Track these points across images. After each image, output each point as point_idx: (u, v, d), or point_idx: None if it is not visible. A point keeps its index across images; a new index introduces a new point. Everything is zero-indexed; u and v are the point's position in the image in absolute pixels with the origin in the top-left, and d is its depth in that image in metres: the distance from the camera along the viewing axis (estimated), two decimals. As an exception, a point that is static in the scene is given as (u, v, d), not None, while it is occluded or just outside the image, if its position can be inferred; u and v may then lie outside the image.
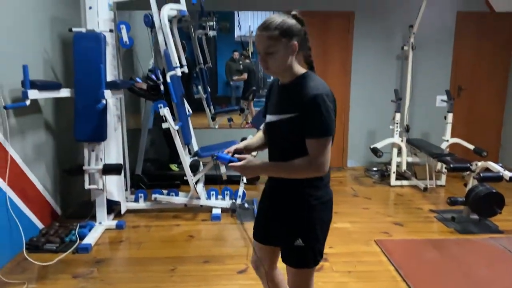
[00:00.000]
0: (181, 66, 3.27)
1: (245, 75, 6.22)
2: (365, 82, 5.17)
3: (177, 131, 3.30)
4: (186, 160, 3.48)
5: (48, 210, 3.40)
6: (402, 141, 4.61)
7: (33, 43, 3.13)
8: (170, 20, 3.40)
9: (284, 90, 1.51)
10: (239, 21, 7.16)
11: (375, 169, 5.10)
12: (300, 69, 1.50)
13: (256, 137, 1.76)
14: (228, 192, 3.81)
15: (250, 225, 3.40)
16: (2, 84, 2.71)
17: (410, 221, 3.61)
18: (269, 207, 1.68)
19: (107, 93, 2.82)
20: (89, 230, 3.24)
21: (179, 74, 3.16)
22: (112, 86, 2.88)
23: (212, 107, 5.96)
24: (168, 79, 3.15)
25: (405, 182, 4.65)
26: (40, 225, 3.23)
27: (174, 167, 4.74)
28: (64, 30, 3.48)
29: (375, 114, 5.22)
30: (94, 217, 3.41)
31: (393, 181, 4.62)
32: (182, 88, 3.37)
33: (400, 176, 4.74)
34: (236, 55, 6.72)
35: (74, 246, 3.01)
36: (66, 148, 3.61)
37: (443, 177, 4.61)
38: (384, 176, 4.89)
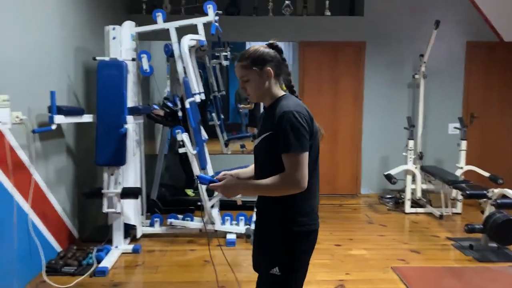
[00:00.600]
0: (199, 93, 3.38)
1: (251, 104, 6.38)
2: (377, 110, 5.24)
3: (194, 155, 3.36)
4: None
5: (66, 233, 3.44)
6: (416, 168, 4.61)
7: (59, 71, 3.28)
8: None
9: (265, 113, 1.59)
10: None
11: (389, 196, 5.07)
12: (279, 92, 1.57)
13: (249, 167, 1.75)
14: (243, 217, 3.83)
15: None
16: (30, 109, 2.84)
17: (427, 249, 3.57)
18: (256, 231, 1.68)
19: (129, 118, 2.92)
20: (106, 254, 3.26)
21: (198, 100, 3.27)
22: (134, 111, 2.99)
23: (225, 134, 6.07)
24: (187, 105, 3.25)
25: (420, 210, 4.61)
26: (58, 248, 3.27)
27: (189, 192, 4.78)
28: (87, 58, 3.65)
29: (387, 141, 5.26)
30: (110, 241, 3.44)
31: (407, 208, 4.59)
32: (199, 114, 3.46)
33: (415, 203, 4.71)
34: None
35: (92, 270, 3.03)
36: (85, 172, 3.69)
37: (459, 204, 4.57)
38: (398, 204, 4.87)
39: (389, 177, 4.41)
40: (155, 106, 4.31)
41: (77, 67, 3.57)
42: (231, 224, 3.82)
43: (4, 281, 2.55)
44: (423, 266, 3.20)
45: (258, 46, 1.55)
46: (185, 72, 3.32)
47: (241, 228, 3.76)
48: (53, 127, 2.78)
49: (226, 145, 6.15)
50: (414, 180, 4.61)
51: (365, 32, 5.08)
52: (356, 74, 5.18)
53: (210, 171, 3.98)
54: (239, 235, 3.75)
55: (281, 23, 5.07)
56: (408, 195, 4.57)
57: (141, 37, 3.88)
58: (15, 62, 2.65)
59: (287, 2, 5.01)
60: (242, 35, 5.18)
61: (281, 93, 1.57)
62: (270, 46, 1.56)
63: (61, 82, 3.30)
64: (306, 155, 1.43)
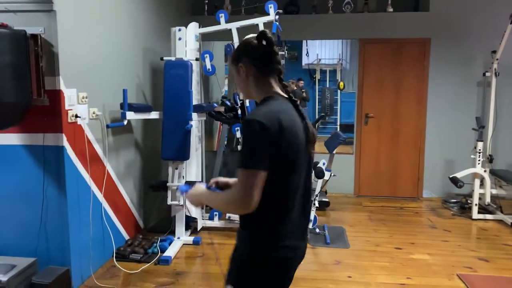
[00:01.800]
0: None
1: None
2: (442, 109, 4.98)
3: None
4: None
5: (133, 222, 3.67)
6: (485, 171, 4.33)
7: (129, 70, 3.51)
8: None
9: None
10: (307, 49, 7.37)
11: (454, 200, 4.80)
12: (268, 93, 1.33)
13: None
14: (300, 215, 3.83)
15: (324, 250, 3.39)
16: (104, 105, 3.06)
17: (497, 258, 3.35)
18: None
19: (194, 115, 3.04)
20: (169, 244, 3.43)
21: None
22: (199, 109, 3.11)
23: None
24: (247, 103, 3.32)
25: (489, 216, 4.32)
26: (126, 236, 3.49)
27: None
28: (154, 59, 3.85)
29: (453, 143, 4.98)
30: (173, 232, 3.61)
31: (475, 214, 4.31)
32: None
33: (483, 209, 4.42)
34: (301, 83, 6.86)
35: (156, 258, 3.21)
36: (150, 165, 3.90)
37: (534, 212, 4.23)
38: (464, 209, 4.59)
39: (455, 181, 4.18)
40: (215, 105, 4.44)
41: (145, 67, 3.79)
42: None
43: (82, 264, 2.78)
44: (494, 276, 3.01)
45: (246, 37, 1.36)
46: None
47: (298, 226, 3.76)
48: (125, 122, 2.98)
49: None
50: (482, 185, 4.33)
51: (431, 28, 4.85)
52: (420, 72, 4.96)
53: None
54: (295, 233, 3.76)
55: (341, 21, 4.99)
56: (475, 200, 4.30)
57: (203, 38, 4.04)
58: (91, 62, 2.87)
59: (347, -1, 4.93)
60: (302, 34, 5.18)
61: (270, 93, 1.33)
62: (260, 37, 1.31)
63: (131, 81, 3.52)
64: (257, 173, 1.17)
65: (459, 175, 4.26)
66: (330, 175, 3.76)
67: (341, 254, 3.40)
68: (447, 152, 5.03)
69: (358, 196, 5.22)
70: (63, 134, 2.50)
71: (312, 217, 3.78)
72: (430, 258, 3.32)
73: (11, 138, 2.52)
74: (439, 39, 4.86)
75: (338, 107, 7.20)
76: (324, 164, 3.69)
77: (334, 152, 3.71)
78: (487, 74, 4.63)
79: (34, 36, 2.37)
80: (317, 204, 3.76)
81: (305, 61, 7.44)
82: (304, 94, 6.71)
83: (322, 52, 7.53)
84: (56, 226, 2.59)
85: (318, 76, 7.57)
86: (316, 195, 3.76)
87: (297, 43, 6.65)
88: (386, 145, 5.12)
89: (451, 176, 4.28)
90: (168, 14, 4.32)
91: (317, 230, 3.77)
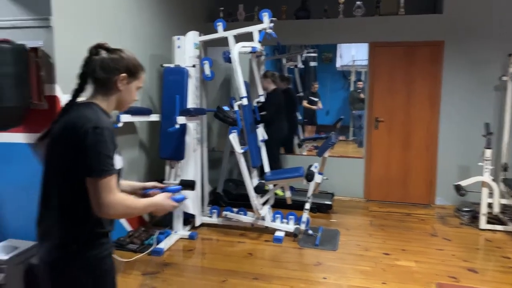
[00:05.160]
0: (245, 97, 3.58)
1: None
2: (456, 114, 4.82)
3: (241, 154, 3.60)
4: (252, 182, 3.75)
5: (138, 216, 3.99)
6: (493, 180, 4.15)
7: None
8: (247, 55, 3.80)
9: None
10: (340, 51, 7.35)
11: (466, 209, 4.63)
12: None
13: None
14: (293, 216, 3.94)
15: (310, 251, 3.48)
16: (106, 109, 3.39)
17: (488, 269, 3.24)
18: None
19: (181, 118, 3.28)
20: (166, 237, 3.70)
21: (245, 103, 3.49)
22: (186, 113, 3.34)
23: (300, 135, 6.21)
24: (235, 108, 3.51)
25: (498, 227, 4.14)
26: (129, 228, 3.82)
27: (279, 192, 4.82)
28: (159, 65, 4.15)
29: (468, 149, 4.80)
30: (172, 227, 3.89)
31: (483, 224, 4.15)
32: (251, 116, 3.68)
33: (496, 220, 4.24)
34: (360, 84, 6.79)
35: (150, 249, 3.49)
36: (153, 164, 4.20)
37: (548, 225, 3.99)
38: (475, 218, 4.42)
39: (458, 188, 4.06)
40: (226, 108, 4.66)
41: (152, 73, 4.09)
42: (282, 222, 3.96)
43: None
44: (474, 287, 2.94)
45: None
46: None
47: (291, 226, 3.88)
48: (120, 124, 3.28)
49: (300, 145, 6.30)
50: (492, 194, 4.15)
51: (444, 30, 4.71)
52: (432, 75, 4.84)
53: (266, 169, 4.20)
54: (287, 233, 3.88)
55: (352, 24, 5.00)
56: (483, 209, 4.13)
57: (212, 44, 4.26)
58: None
59: (358, 3, 4.92)
60: (313, 38, 5.25)
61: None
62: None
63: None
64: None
65: (464, 183, 4.13)
66: (323, 178, 3.83)
67: (325, 256, 3.47)
68: (461, 159, 4.86)
69: (368, 200, 5.19)
70: (60, 135, 2.84)
71: (304, 219, 3.87)
72: (415, 266, 3.30)
73: (17, 137, 2.91)
74: (453, 42, 4.71)
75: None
76: (316, 167, 3.77)
77: (326, 155, 3.77)
78: (504, 78, 4.43)
79: (35, 49, 2.73)
80: (307, 206, 3.84)
81: (339, 62, 7.43)
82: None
83: (358, 53, 7.48)
84: (55, 215, 2.94)
85: (353, 77, 7.52)
86: (308, 198, 3.85)
87: (332, 45, 6.56)
88: (397, 149, 5.05)
89: (455, 184, 4.16)
90: (182, 22, 4.61)
91: (310, 232, 3.86)
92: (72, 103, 1.40)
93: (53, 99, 2.81)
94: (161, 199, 1.49)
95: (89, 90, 1.44)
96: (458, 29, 4.68)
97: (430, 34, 4.77)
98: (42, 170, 1.39)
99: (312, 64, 7.17)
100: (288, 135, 5.31)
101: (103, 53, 1.42)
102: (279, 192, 4.79)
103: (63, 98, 2.85)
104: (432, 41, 4.78)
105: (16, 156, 2.93)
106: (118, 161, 1.39)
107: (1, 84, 2.56)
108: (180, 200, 1.57)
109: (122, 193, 1.34)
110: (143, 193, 1.66)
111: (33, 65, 2.73)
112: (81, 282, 1.36)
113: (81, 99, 1.43)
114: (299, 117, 6.39)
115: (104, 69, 1.41)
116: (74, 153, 1.27)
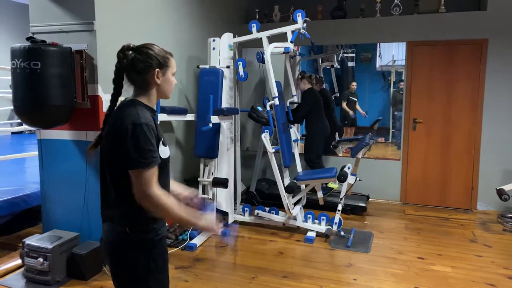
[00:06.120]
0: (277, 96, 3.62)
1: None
2: (501, 116, 4.59)
3: (273, 154, 3.64)
4: (283, 182, 3.78)
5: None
6: (541, 185, 3.92)
7: (173, 77, 3.97)
8: (283, 56, 3.83)
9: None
10: (379, 51, 7.19)
11: (510, 215, 4.41)
12: None
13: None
14: (325, 217, 3.92)
15: (341, 253, 3.46)
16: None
17: (531, 278, 3.08)
18: None
19: (214, 118, 3.37)
20: (199, 233, 3.81)
21: (277, 103, 3.52)
22: (219, 112, 3.42)
23: (336, 136, 6.16)
24: (267, 107, 3.55)
25: (545, 235, 3.91)
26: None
27: (333, 185, 4.84)
28: (196, 66, 4.27)
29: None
30: (205, 223, 3.99)
31: (528, 231, 3.94)
32: (285, 116, 3.71)
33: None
34: (401, 84, 6.66)
35: (184, 244, 3.61)
36: (189, 161, 4.33)
37: None
38: (520, 225, 4.20)
39: (500, 193, 3.87)
40: (259, 108, 4.72)
41: (189, 74, 4.23)
42: (313, 222, 3.96)
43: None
44: (515, 296, 2.80)
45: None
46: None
47: (322, 227, 3.87)
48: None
49: (335, 147, 6.25)
50: (539, 200, 3.93)
51: (488, 28, 4.51)
52: (474, 75, 4.64)
53: (299, 168, 4.21)
54: (319, 234, 3.87)
55: (389, 23, 4.90)
56: (529, 216, 3.92)
57: (248, 45, 4.33)
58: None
59: (396, 1, 4.82)
60: (349, 38, 5.20)
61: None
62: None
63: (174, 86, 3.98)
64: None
65: (507, 187, 3.93)
66: (356, 179, 3.79)
67: (357, 257, 3.44)
68: (506, 163, 4.63)
69: (404, 203, 5.06)
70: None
71: (336, 220, 3.85)
72: (451, 271, 3.19)
73: (63, 134, 3.11)
74: (498, 40, 4.50)
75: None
76: (349, 168, 3.74)
77: (360, 156, 3.73)
78: (554, 77, 4.17)
79: (80, 51, 2.91)
80: (340, 208, 3.81)
81: (378, 62, 7.28)
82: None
83: (398, 52, 7.30)
84: (95, 208, 3.11)
85: (393, 78, 7.35)
86: (341, 199, 3.82)
87: (371, 45, 6.44)
88: (435, 152, 4.89)
89: (498, 188, 3.97)
90: (218, 24, 4.72)
91: (342, 233, 3.83)
92: (113, 107, 1.52)
93: (95, 99, 2.98)
94: (210, 223, 1.56)
95: (130, 88, 1.53)
96: (503, 27, 4.46)
97: (472, 32, 4.58)
98: (99, 164, 1.53)
99: (350, 64, 7.07)
100: (329, 135, 5.29)
101: (131, 55, 1.48)
102: (333, 185, 4.77)
103: (104, 97, 3.02)
104: (475, 40, 4.59)
105: (62, 151, 3.13)
106: (164, 151, 1.50)
107: (49, 84, 2.75)
108: (227, 235, 1.64)
109: (161, 191, 1.42)
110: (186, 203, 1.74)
111: (78, 66, 2.92)
112: (134, 262, 1.50)
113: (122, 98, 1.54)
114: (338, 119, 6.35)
115: (136, 71, 1.49)
116: (119, 148, 1.39)
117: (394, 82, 7.27)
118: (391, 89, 7.13)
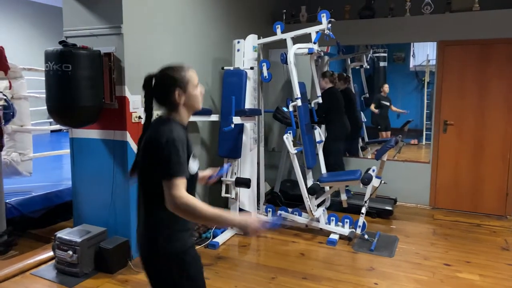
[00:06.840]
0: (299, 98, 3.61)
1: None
2: (539, 118, 4.36)
3: (295, 155, 3.64)
4: (306, 183, 3.77)
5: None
6: None
7: (199, 78, 4.04)
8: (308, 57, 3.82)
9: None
10: (413, 51, 6.99)
11: (549, 223, 4.19)
12: None
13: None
14: (348, 220, 3.87)
15: (364, 256, 3.41)
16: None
17: None
18: None
19: (236, 119, 3.41)
20: (222, 232, 3.87)
21: (299, 104, 3.52)
22: (241, 113, 3.46)
23: (365, 137, 6.04)
24: (290, 108, 3.55)
25: None
26: (188, 221, 4.05)
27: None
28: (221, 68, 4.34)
29: (552, 156, 4.32)
30: (228, 222, 4.04)
31: None
32: (307, 117, 3.69)
33: None
34: None
35: (207, 242, 3.68)
36: (214, 161, 4.40)
37: None
38: (558, 234, 3.98)
39: (536, 199, 3.68)
40: (284, 109, 4.73)
41: (214, 75, 4.30)
42: (336, 225, 3.92)
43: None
44: (546, 308, 2.66)
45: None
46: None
47: (346, 230, 3.82)
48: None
49: (363, 148, 6.14)
50: None
51: (526, 25, 4.29)
52: (510, 75, 4.43)
53: (323, 170, 4.18)
54: (342, 237, 3.83)
55: (419, 23, 4.76)
56: None
57: (273, 46, 4.32)
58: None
59: (427, 0, 4.68)
60: (377, 38, 5.10)
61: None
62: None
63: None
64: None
65: (544, 193, 3.73)
66: (380, 182, 3.72)
67: (380, 261, 3.38)
68: (544, 167, 4.39)
69: (434, 208, 4.90)
70: (127, 132, 3.13)
71: (360, 223, 3.79)
72: (479, 279, 3.07)
73: (93, 133, 3.26)
74: (536, 38, 4.28)
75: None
76: (374, 171, 3.68)
77: (384, 159, 3.66)
78: None
79: (108, 54, 3.04)
80: (363, 210, 3.75)
81: (412, 63, 7.10)
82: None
83: (433, 52, 7.09)
84: (122, 205, 3.24)
85: (427, 78, 7.14)
86: (365, 202, 3.76)
87: (404, 44, 6.28)
88: (467, 155, 4.70)
89: (533, 194, 3.77)
90: (244, 26, 4.76)
91: (366, 236, 3.77)
92: (148, 124, 1.60)
93: (123, 100, 3.10)
94: (250, 220, 1.47)
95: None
96: (542, 24, 4.24)
97: (509, 30, 4.37)
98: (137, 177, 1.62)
99: (382, 64, 6.92)
100: (350, 135, 5.21)
101: (152, 83, 1.59)
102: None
103: (131, 98, 3.13)
104: (510, 38, 4.38)
105: (91, 150, 3.28)
106: (193, 165, 1.58)
107: (79, 86, 2.89)
108: (275, 226, 1.56)
109: (191, 196, 1.46)
110: (207, 181, 1.90)
111: (106, 68, 3.04)
112: (166, 272, 1.55)
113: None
114: (364, 119, 6.22)
115: (160, 98, 1.59)
116: (153, 162, 1.48)
117: (428, 82, 7.05)
118: (425, 90, 6.93)
